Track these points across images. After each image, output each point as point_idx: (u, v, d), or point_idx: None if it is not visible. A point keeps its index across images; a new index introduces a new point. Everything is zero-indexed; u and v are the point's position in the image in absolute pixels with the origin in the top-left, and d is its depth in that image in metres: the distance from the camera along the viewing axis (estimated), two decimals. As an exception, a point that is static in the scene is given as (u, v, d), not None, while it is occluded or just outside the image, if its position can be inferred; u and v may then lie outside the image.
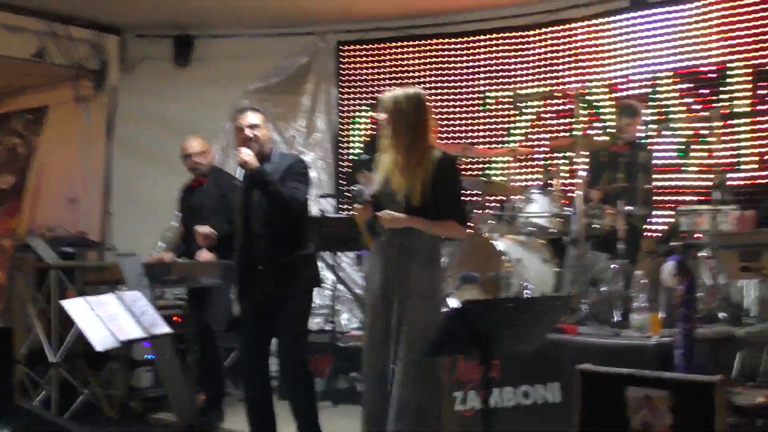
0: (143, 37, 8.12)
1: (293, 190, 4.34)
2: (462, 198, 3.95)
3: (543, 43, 7.40)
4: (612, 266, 5.36)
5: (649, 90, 6.78)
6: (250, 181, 4.34)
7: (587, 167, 6.22)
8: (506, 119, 7.52)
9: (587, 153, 6.26)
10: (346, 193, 7.95)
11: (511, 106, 7.40)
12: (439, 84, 7.77)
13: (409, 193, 3.76)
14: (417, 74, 7.84)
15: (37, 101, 8.14)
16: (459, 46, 7.77)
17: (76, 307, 4.69)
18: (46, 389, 5.76)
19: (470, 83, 7.70)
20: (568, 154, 6.75)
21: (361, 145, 7.86)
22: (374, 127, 7.22)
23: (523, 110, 7.40)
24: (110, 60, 7.91)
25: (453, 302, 5.37)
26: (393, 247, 3.82)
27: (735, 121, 6.34)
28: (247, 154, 4.31)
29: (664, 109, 6.69)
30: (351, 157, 7.98)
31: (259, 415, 4.52)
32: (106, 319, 4.64)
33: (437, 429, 3.73)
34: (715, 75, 6.48)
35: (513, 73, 7.52)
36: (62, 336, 5.88)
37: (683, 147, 6.28)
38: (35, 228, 6.90)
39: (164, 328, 4.78)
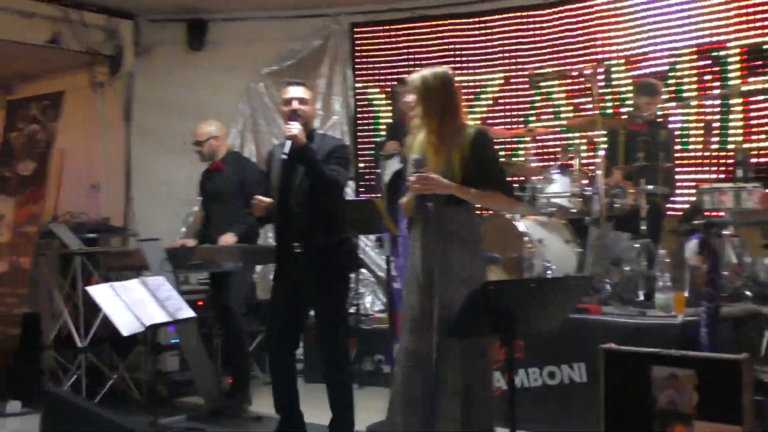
0: (157, 22, 8.11)
1: (335, 173, 4.31)
2: (503, 170, 3.98)
3: (559, 22, 7.35)
4: (635, 245, 5.37)
5: (668, 67, 6.73)
6: (294, 156, 4.23)
7: (606, 146, 6.21)
8: (523, 99, 7.50)
9: (606, 132, 6.26)
10: (366, 176, 7.96)
11: (528, 86, 7.37)
12: (455, 65, 7.73)
13: (448, 171, 3.73)
14: (432, 55, 7.79)
15: (53, 87, 8.14)
16: (473, 26, 7.73)
17: (101, 292, 4.75)
18: (75, 374, 5.84)
19: (486, 63, 7.67)
20: (587, 133, 6.73)
21: (384, 129, 7.83)
22: (395, 110, 7.19)
23: (540, 90, 7.37)
24: (125, 45, 7.90)
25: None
26: (430, 230, 3.80)
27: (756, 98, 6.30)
28: (297, 128, 4.23)
29: (681, 87, 6.66)
30: (374, 139, 7.95)
31: (283, 396, 4.55)
32: (131, 304, 4.70)
33: (487, 410, 3.72)
34: (733, 52, 6.43)
35: (528, 52, 7.48)
36: (88, 321, 5.95)
37: (703, 125, 6.23)
38: (58, 214, 6.93)
39: (189, 313, 4.83)
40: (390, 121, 7.71)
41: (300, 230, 4.35)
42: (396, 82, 7.40)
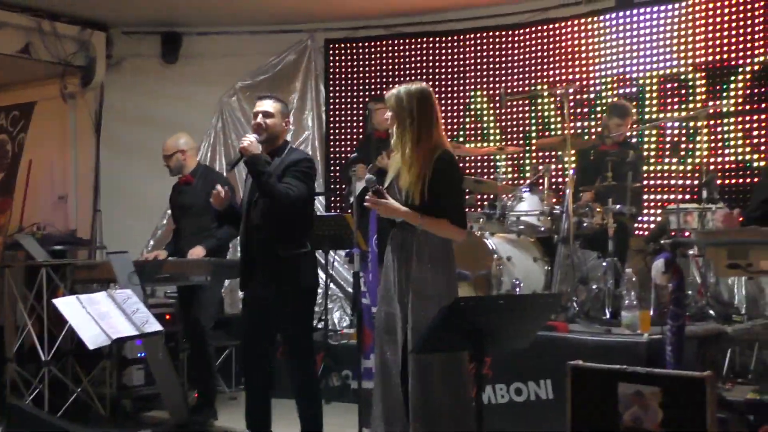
0: (130, 34, 8.10)
1: (287, 186, 4.29)
2: (458, 197, 3.92)
3: (531, 42, 7.44)
4: (602, 264, 5.42)
5: (636, 89, 6.83)
6: (246, 167, 4.30)
7: (576, 166, 6.27)
8: (493, 118, 7.57)
9: (575, 152, 6.33)
10: (337, 192, 7.96)
11: (498, 105, 7.43)
12: (428, 83, 7.77)
13: (408, 189, 3.75)
14: (406, 73, 7.86)
15: (24, 97, 8.09)
16: (448, 44, 7.80)
17: (68, 305, 4.68)
18: (38, 387, 5.75)
19: (459, 82, 7.73)
20: (556, 152, 6.80)
21: (355, 145, 7.85)
22: (368, 126, 7.21)
23: (511, 109, 7.44)
24: (97, 56, 7.85)
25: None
26: (397, 245, 3.84)
27: (723, 120, 6.41)
28: (247, 139, 4.25)
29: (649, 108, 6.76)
30: (346, 156, 7.95)
31: (253, 410, 4.53)
32: (98, 318, 4.63)
33: (459, 427, 3.69)
34: (701, 75, 6.54)
35: (501, 72, 7.55)
36: (53, 334, 5.87)
37: (672, 147, 6.33)
38: (25, 225, 6.86)
39: (156, 327, 4.78)
40: (361, 137, 7.74)
41: (260, 243, 4.35)
42: (368, 99, 7.45)
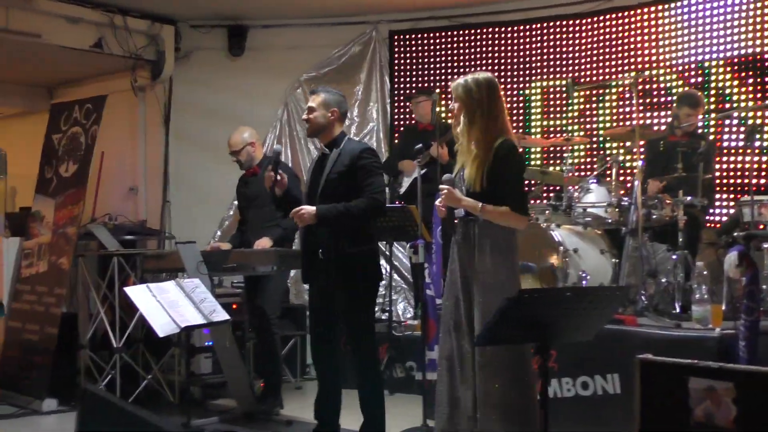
0: (198, 28, 8.21)
1: (369, 194, 4.31)
2: (518, 184, 3.89)
3: (597, 31, 7.31)
4: (672, 257, 5.31)
5: (706, 77, 6.66)
6: (325, 226, 4.33)
7: (645, 157, 6.15)
8: (562, 108, 7.46)
9: (645, 142, 6.20)
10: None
11: (566, 95, 7.32)
12: (494, 73, 7.71)
13: (471, 179, 3.75)
14: (469, 63, 7.81)
15: (96, 91, 8.26)
16: (513, 34, 7.72)
17: (138, 294, 4.80)
18: (110, 373, 5.90)
19: (523, 72, 7.64)
20: (625, 143, 6.68)
21: (400, 133, 7.84)
22: (414, 116, 7.22)
23: (579, 99, 7.33)
24: (166, 50, 8.00)
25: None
26: (461, 235, 3.85)
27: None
28: (301, 216, 4.31)
29: (723, 97, 6.58)
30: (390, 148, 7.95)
31: (323, 401, 4.57)
32: (168, 306, 4.74)
33: (524, 421, 3.69)
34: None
35: (566, 61, 7.44)
36: (124, 322, 6.02)
37: (747, 135, 6.13)
38: (97, 216, 7.04)
39: (223, 316, 4.86)
40: (403, 128, 7.75)
41: (324, 237, 4.36)
42: (415, 91, 7.45)
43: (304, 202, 4.47)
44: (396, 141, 7.79)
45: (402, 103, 8.09)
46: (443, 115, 7.25)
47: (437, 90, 7.49)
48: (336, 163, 4.40)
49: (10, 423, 5.56)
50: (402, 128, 8.00)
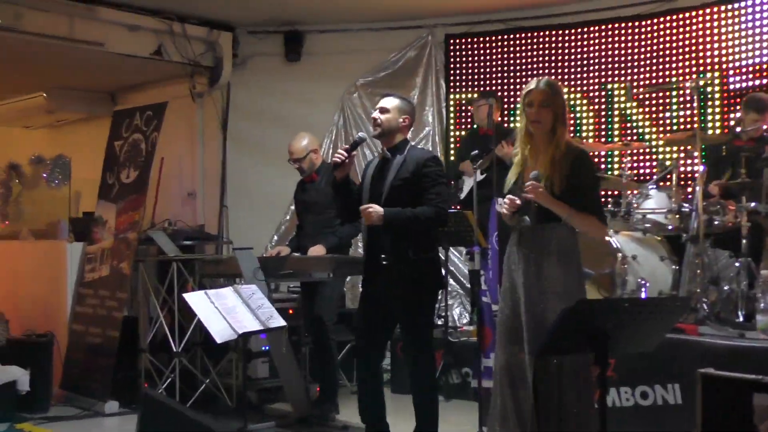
0: (254, 34, 8.30)
1: (434, 204, 4.28)
2: (599, 194, 3.96)
3: (657, 33, 7.18)
4: (734, 264, 5.18)
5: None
6: (393, 228, 4.32)
7: (706, 162, 6.02)
8: (620, 112, 7.35)
9: (706, 147, 6.07)
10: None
11: (625, 99, 7.21)
12: (549, 77, 7.63)
13: (550, 181, 3.73)
14: (526, 67, 7.74)
15: (155, 97, 8.40)
16: (569, 38, 7.63)
17: (197, 299, 4.87)
18: (170, 377, 6.00)
19: (580, 76, 7.54)
20: (686, 148, 6.54)
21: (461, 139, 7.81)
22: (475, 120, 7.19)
23: (637, 103, 7.21)
24: (224, 56, 8.11)
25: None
26: (526, 243, 3.81)
27: None
28: (369, 214, 4.28)
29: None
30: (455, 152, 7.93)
31: (370, 407, 4.56)
32: (225, 312, 4.80)
33: (582, 429, 3.66)
34: None
35: (626, 64, 7.33)
36: (183, 326, 6.11)
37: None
38: (156, 221, 7.16)
39: (280, 322, 4.90)
40: (465, 133, 7.71)
41: (388, 243, 4.35)
42: (476, 95, 7.41)
43: (365, 203, 4.45)
44: (458, 145, 7.76)
45: (460, 108, 8.06)
46: (501, 119, 7.21)
47: (498, 94, 7.49)
48: (401, 169, 4.37)
49: (74, 424, 5.69)
50: (459, 132, 7.98)
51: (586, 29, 7.54)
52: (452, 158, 7.83)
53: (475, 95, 7.62)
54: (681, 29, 7.05)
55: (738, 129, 5.81)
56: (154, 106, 6.83)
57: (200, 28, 7.93)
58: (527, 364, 3.75)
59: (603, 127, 7.43)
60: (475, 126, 7.30)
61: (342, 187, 4.51)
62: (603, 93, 7.43)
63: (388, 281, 4.35)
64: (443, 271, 5.13)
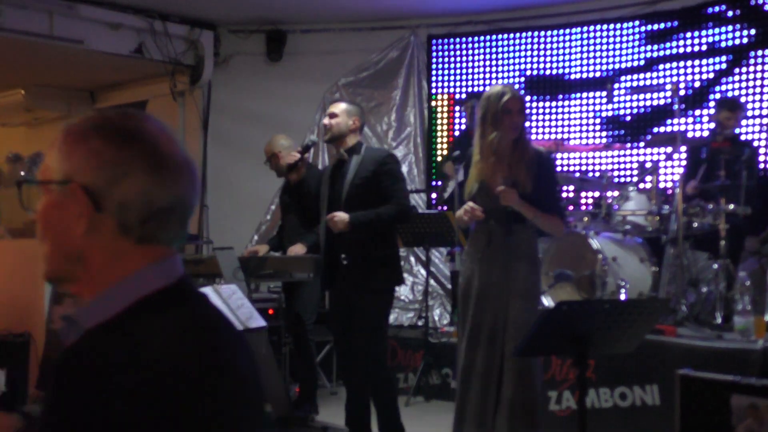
0: (236, 33, 8.27)
1: (396, 200, 4.32)
2: (560, 194, 4.02)
3: (639, 35, 7.23)
4: (713, 266, 5.21)
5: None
6: (357, 230, 4.34)
7: (686, 163, 6.05)
8: (599, 114, 7.38)
9: (686, 149, 6.10)
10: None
11: (606, 100, 7.23)
12: (532, 78, 7.67)
13: (517, 184, 3.80)
14: (508, 68, 7.76)
15: (136, 96, 8.37)
16: (551, 39, 7.65)
17: (176, 300, 4.81)
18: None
19: (561, 77, 7.57)
20: (666, 150, 6.58)
21: (451, 141, 7.81)
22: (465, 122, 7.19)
23: (619, 104, 7.24)
24: (205, 55, 8.06)
25: (547, 300, 5.32)
26: (495, 247, 3.84)
27: None
28: (335, 221, 4.31)
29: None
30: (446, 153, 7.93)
31: (352, 407, 4.56)
32: (205, 312, 4.75)
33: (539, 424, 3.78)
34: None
35: (607, 66, 7.36)
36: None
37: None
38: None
39: (260, 322, 4.87)
40: (457, 134, 7.71)
41: (347, 242, 4.36)
42: (466, 96, 7.41)
43: (325, 208, 4.47)
44: (451, 146, 7.76)
45: (440, 108, 8.06)
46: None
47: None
48: (360, 168, 4.40)
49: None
50: (439, 133, 7.98)
51: (568, 30, 7.56)
52: (438, 158, 7.84)
53: (462, 96, 7.61)
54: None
55: (712, 126, 5.87)
56: (134, 105, 6.79)
57: (181, 26, 7.89)
58: (495, 364, 3.78)
59: (584, 128, 7.45)
60: (466, 127, 7.29)
61: (297, 188, 4.58)
62: (583, 94, 7.45)
63: (348, 280, 4.37)
64: (421, 270, 5.13)
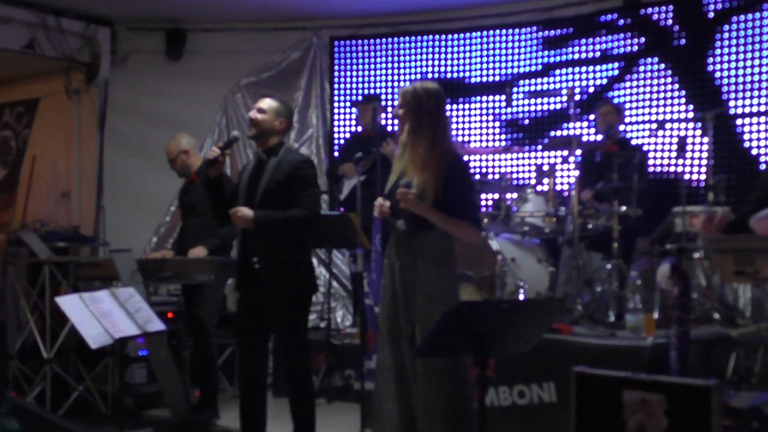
0: (135, 30, 8.08)
1: (305, 205, 4.28)
2: (474, 200, 3.98)
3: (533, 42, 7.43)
4: (606, 266, 5.40)
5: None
6: (261, 229, 4.29)
7: (580, 167, 6.24)
8: (498, 117, 7.54)
9: (581, 152, 6.29)
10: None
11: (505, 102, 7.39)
12: (433, 80, 7.76)
13: (422, 188, 3.75)
14: (411, 70, 7.84)
15: (28, 93, 8.07)
16: (453, 42, 7.77)
17: (70, 303, 4.66)
18: (40, 384, 5.74)
19: (463, 80, 7.70)
20: (562, 153, 6.77)
21: (344, 141, 7.83)
22: (358, 124, 7.22)
23: (517, 107, 7.41)
24: (102, 52, 7.84)
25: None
26: (402, 247, 3.84)
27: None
28: (238, 217, 4.25)
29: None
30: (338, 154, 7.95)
31: (249, 412, 4.50)
32: (101, 316, 4.61)
33: (465, 430, 3.74)
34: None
35: (506, 70, 7.52)
36: (55, 331, 5.86)
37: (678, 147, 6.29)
38: (28, 222, 6.85)
39: (159, 326, 4.76)
40: (349, 135, 7.74)
41: (259, 246, 4.32)
42: (363, 97, 7.45)
43: (240, 205, 4.40)
44: (341, 147, 7.77)
45: (342, 110, 8.08)
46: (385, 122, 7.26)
47: (383, 97, 7.54)
48: (275, 171, 4.36)
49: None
50: (342, 135, 7.99)
51: (471, 34, 7.68)
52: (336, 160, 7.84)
53: (360, 98, 7.64)
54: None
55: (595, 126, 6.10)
56: (25, 102, 6.56)
57: (77, 22, 7.65)
58: (409, 364, 3.80)
59: (484, 131, 7.59)
60: (357, 129, 7.33)
61: (215, 185, 4.48)
62: (484, 98, 7.60)
63: (260, 284, 4.33)
64: (323, 271, 5.12)
